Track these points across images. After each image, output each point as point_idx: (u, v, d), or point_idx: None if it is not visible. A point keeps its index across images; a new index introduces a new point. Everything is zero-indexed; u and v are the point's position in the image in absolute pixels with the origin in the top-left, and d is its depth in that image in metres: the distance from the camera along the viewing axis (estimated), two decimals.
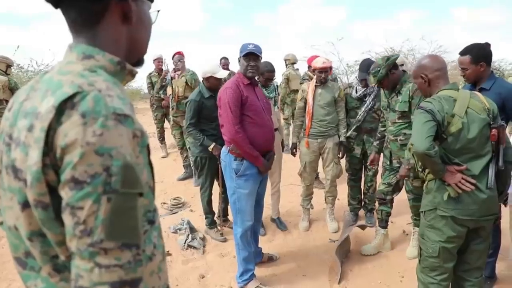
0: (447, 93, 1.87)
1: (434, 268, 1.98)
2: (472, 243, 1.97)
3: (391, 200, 3.20)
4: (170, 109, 5.44)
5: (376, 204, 3.35)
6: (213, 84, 3.43)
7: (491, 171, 1.84)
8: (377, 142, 3.29)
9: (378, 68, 2.83)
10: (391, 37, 36.55)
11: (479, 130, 1.81)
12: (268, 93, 3.57)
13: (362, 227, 3.32)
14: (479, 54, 2.34)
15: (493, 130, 1.82)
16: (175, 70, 5.25)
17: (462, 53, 2.41)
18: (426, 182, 1.98)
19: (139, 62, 0.90)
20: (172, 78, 5.24)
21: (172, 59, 5.36)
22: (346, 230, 3.17)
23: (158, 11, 0.92)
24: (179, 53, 5.25)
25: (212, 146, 3.32)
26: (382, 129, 3.22)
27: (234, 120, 2.47)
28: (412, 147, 1.82)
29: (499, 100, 2.33)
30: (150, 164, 0.79)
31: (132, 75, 0.85)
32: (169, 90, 5.33)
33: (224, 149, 2.66)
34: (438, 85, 1.93)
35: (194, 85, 5.03)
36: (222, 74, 3.45)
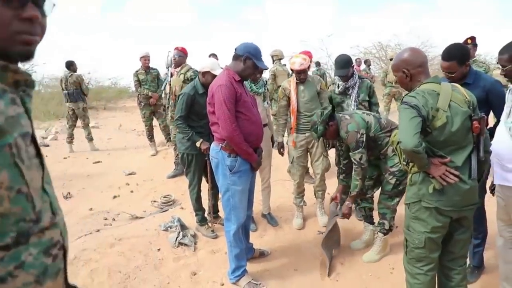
0: (429, 87, 1.87)
1: (420, 259, 2.00)
2: (455, 233, 2.01)
3: (372, 195, 3.23)
4: (167, 107, 5.26)
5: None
6: (208, 80, 3.36)
7: (474, 162, 1.86)
8: (343, 175, 3.26)
9: (316, 126, 2.95)
10: (379, 31, 36.94)
11: (462, 122, 1.83)
12: (257, 88, 3.55)
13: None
14: (463, 56, 2.35)
15: (475, 122, 1.85)
16: (175, 67, 5.06)
17: (447, 58, 2.37)
18: (410, 175, 2.00)
19: (21, 56, 0.80)
20: (171, 75, 5.07)
21: None
22: (331, 221, 3.16)
23: (54, 4, 0.84)
24: (176, 48, 5.03)
25: (199, 141, 3.30)
26: (345, 161, 3.19)
27: (232, 118, 2.43)
28: (400, 144, 1.83)
29: (482, 93, 2.36)
30: (16, 165, 0.71)
31: (12, 70, 0.77)
32: (167, 88, 5.15)
33: (215, 146, 2.62)
34: (420, 79, 1.93)
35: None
36: (219, 71, 3.39)
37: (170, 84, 5.05)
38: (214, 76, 3.33)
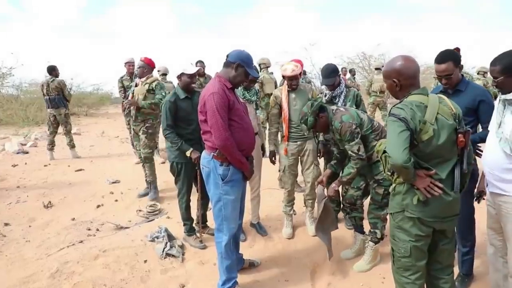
0: (417, 99, 1.86)
1: (407, 268, 2.00)
2: (440, 243, 2.01)
3: (361, 205, 3.23)
4: (132, 118, 4.97)
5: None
6: (185, 82, 3.34)
7: (457, 175, 1.87)
8: (335, 161, 3.19)
9: (306, 117, 2.91)
10: (362, 41, 37.77)
11: (448, 136, 1.83)
12: (250, 96, 3.52)
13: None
14: (457, 57, 2.41)
15: (460, 135, 1.85)
16: (139, 77, 4.83)
17: (442, 60, 2.40)
18: (393, 185, 2.00)
19: None
20: (136, 85, 4.85)
21: None
22: (320, 205, 3.10)
23: None
24: (141, 59, 4.76)
25: (190, 151, 3.24)
26: (340, 150, 3.14)
27: (225, 126, 2.38)
28: (389, 159, 1.82)
29: (473, 101, 2.40)
30: None
31: None
32: (130, 97, 4.87)
33: (206, 155, 2.56)
34: (409, 90, 1.92)
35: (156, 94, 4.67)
36: (191, 69, 3.37)
37: (133, 93, 4.82)
38: (190, 75, 3.32)
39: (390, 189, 2.06)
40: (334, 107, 2.99)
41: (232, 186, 2.51)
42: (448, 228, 1.98)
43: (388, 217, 2.99)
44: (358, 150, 2.80)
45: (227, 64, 2.51)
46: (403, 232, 1.95)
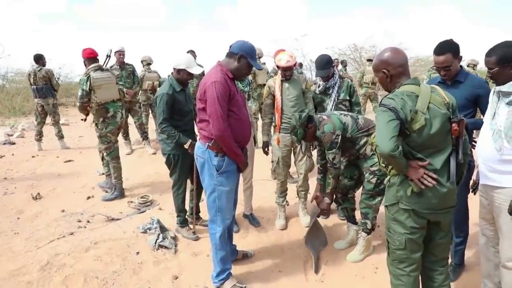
0: (409, 89, 1.86)
1: (402, 260, 2.01)
2: (436, 237, 2.02)
3: (353, 196, 3.26)
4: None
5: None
6: (183, 78, 3.24)
7: (453, 165, 1.86)
8: (321, 175, 3.23)
9: (296, 130, 2.95)
10: (352, 33, 37.75)
11: (441, 125, 1.83)
12: (243, 86, 3.47)
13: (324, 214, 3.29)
14: (456, 48, 2.40)
15: (454, 124, 1.85)
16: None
17: (442, 52, 2.39)
18: (388, 177, 2.00)
19: None
20: None
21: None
22: (311, 220, 3.16)
23: None
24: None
25: (188, 143, 3.19)
26: (322, 162, 3.18)
27: (224, 116, 2.34)
28: (376, 148, 1.82)
29: (473, 92, 2.40)
30: None
31: None
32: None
33: (201, 145, 2.52)
34: (400, 80, 1.92)
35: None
36: (196, 70, 3.25)
37: None
38: (190, 73, 3.22)
39: (385, 181, 2.05)
40: (318, 116, 3.01)
41: (227, 177, 2.49)
42: (443, 220, 1.97)
43: (381, 208, 3.03)
44: (333, 159, 2.88)
45: (229, 55, 2.46)
46: (398, 224, 1.95)
